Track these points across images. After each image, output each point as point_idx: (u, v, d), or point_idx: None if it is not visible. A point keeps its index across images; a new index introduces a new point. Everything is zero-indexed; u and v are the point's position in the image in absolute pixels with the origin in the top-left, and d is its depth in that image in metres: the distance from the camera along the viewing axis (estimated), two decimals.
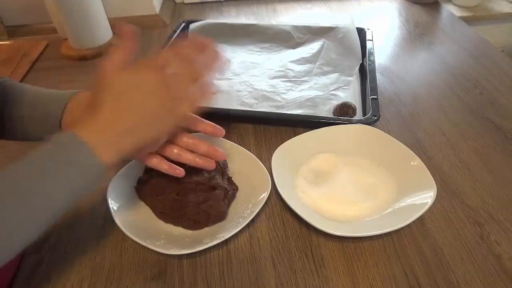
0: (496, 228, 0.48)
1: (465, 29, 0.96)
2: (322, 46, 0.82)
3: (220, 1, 1.14)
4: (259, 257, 0.46)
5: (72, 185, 0.35)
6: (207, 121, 0.48)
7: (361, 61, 0.77)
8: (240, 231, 0.46)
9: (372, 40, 0.81)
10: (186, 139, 0.47)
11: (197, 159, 0.47)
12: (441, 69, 0.80)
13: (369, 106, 0.63)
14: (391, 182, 0.53)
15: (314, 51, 0.82)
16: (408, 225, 0.47)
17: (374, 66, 0.72)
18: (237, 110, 0.67)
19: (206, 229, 0.48)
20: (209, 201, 0.47)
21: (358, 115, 0.65)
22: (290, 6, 1.11)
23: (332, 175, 0.54)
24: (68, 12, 0.83)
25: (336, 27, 0.85)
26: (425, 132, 0.63)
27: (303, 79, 0.75)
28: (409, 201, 0.49)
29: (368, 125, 0.59)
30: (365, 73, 0.73)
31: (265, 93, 0.71)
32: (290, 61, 0.80)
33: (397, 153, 0.54)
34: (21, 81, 0.80)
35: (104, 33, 0.90)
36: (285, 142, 0.56)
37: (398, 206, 0.49)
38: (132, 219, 0.48)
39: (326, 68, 0.77)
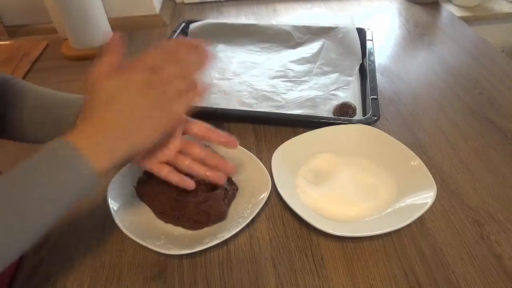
0: (496, 228, 0.48)
1: (465, 29, 0.96)
2: (322, 46, 0.82)
3: (220, 1, 1.14)
4: (259, 257, 0.46)
5: (65, 193, 0.35)
6: (220, 132, 0.47)
7: (361, 61, 0.77)
8: (240, 231, 0.46)
9: (372, 40, 0.81)
10: (198, 151, 0.46)
11: (207, 173, 0.46)
12: (441, 69, 0.80)
13: (369, 106, 0.63)
14: (391, 182, 0.53)
15: (314, 51, 0.82)
16: (408, 225, 0.47)
17: (374, 66, 0.72)
18: (237, 110, 0.67)
19: (206, 229, 0.48)
20: (209, 201, 0.47)
21: (358, 115, 0.65)
22: (290, 6, 1.11)
23: (332, 175, 0.54)
24: (68, 12, 0.83)
25: (336, 27, 0.85)
26: (425, 132, 0.63)
27: (303, 79, 0.75)
28: (409, 201, 0.49)
29: (368, 125, 0.59)
30: (365, 73, 0.73)
31: (265, 93, 0.71)
32: (290, 61, 0.80)
33: (397, 153, 0.54)
34: None
35: (104, 33, 0.90)
36: (285, 142, 0.56)
37: (398, 206, 0.49)
38: (132, 219, 0.48)
39: (326, 68, 0.77)
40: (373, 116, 0.60)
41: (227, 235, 0.45)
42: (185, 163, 0.45)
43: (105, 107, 0.36)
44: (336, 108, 0.65)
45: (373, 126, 0.59)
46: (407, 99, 0.71)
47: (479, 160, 0.58)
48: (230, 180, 0.53)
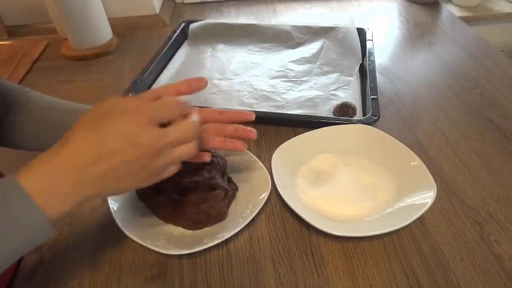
0: (496, 228, 0.48)
1: (465, 29, 0.96)
2: (322, 46, 0.83)
3: (220, 1, 1.14)
4: (259, 257, 0.46)
5: (10, 244, 0.30)
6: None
7: (361, 61, 0.77)
8: (240, 231, 0.46)
9: (372, 40, 0.81)
10: (212, 124, 0.44)
11: (227, 143, 0.44)
12: (441, 69, 0.80)
13: (369, 106, 0.63)
14: (391, 182, 0.53)
15: (314, 51, 0.82)
16: (408, 225, 0.47)
17: (374, 66, 0.72)
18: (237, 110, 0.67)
19: (206, 229, 0.48)
20: (209, 201, 0.47)
21: (358, 115, 0.65)
22: (290, 6, 1.11)
23: (332, 175, 0.54)
24: (68, 12, 0.83)
25: (336, 27, 0.85)
26: (425, 132, 0.63)
27: (303, 79, 0.75)
28: (409, 201, 0.49)
29: (368, 125, 0.59)
30: (365, 73, 0.73)
31: (265, 93, 0.71)
32: (290, 61, 0.80)
33: (397, 153, 0.54)
34: (20, 81, 0.80)
35: (104, 33, 0.90)
36: (285, 142, 0.56)
37: (398, 206, 0.49)
38: (132, 219, 0.48)
39: (326, 68, 0.77)
40: (373, 116, 0.61)
41: (227, 235, 0.45)
42: (202, 135, 0.43)
43: (85, 128, 0.32)
44: (336, 108, 0.65)
45: (373, 126, 0.59)
46: (407, 99, 0.71)
47: (479, 160, 0.58)
48: (230, 180, 0.53)
